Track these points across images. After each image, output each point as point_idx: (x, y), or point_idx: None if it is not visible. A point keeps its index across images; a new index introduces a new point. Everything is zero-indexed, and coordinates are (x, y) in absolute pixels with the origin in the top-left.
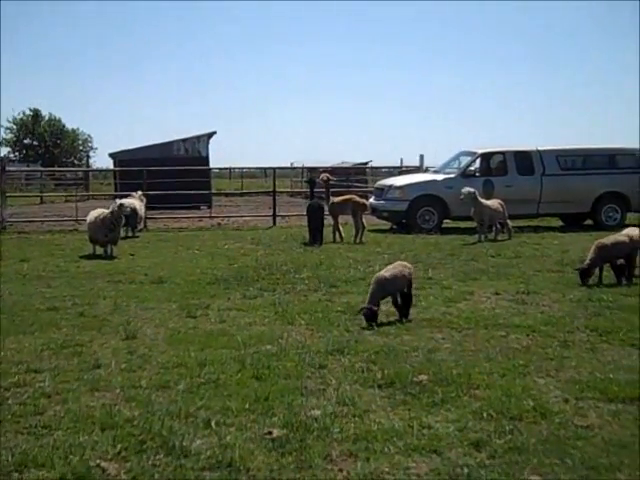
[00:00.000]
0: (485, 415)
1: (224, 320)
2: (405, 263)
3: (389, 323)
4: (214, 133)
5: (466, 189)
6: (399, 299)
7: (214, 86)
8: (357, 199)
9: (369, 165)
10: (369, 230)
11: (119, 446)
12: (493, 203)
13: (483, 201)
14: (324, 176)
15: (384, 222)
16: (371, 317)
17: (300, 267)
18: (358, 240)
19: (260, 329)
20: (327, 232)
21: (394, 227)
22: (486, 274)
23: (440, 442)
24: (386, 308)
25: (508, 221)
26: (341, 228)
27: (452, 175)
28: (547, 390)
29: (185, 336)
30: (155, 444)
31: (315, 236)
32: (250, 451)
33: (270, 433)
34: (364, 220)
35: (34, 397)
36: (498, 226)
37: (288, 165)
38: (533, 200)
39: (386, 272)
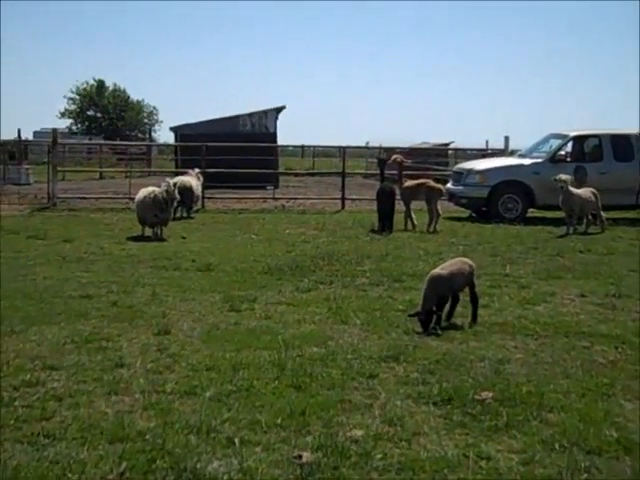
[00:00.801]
0: (557, 446)
1: (270, 316)
2: (466, 259)
3: (454, 327)
4: (283, 108)
5: (562, 176)
6: (448, 302)
7: (284, 55)
8: (431, 184)
9: (451, 146)
10: (444, 218)
11: (125, 464)
12: (585, 192)
13: (574, 189)
14: (397, 157)
15: (462, 209)
16: (425, 322)
17: (363, 257)
18: (432, 229)
19: (309, 328)
20: (399, 219)
21: (473, 215)
22: (572, 272)
23: (500, 478)
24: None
25: (602, 212)
26: (413, 215)
27: (540, 160)
28: (635, 417)
29: (224, 333)
30: (166, 464)
31: (385, 223)
32: (273, 479)
33: (300, 457)
34: (439, 207)
35: (44, 399)
36: (590, 217)
37: (363, 144)
38: (631, 189)
39: (442, 269)
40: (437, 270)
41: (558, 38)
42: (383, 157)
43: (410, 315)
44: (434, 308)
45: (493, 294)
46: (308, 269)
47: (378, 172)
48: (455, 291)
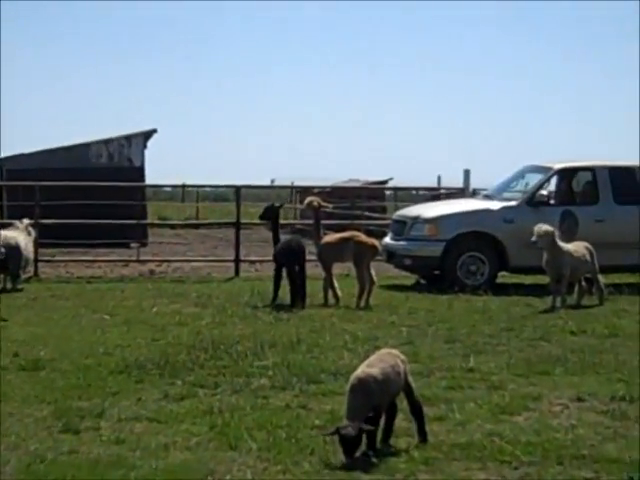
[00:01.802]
0: None
1: (123, 439)
2: (394, 351)
3: (396, 453)
4: (154, 132)
5: (542, 227)
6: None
7: (154, 61)
8: (362, 238)
9: (389, 184)
10: (381, 287)
11: None
12: (577, 248)
13: (562, 245)
14: (313, 200)
15: (406, 274)
16: (353, 444)
17: (265, 347)
18: (363, 303)
19: (180, 457)
20: (314, 289)
21: (421, 282)
22: (563, 365)
23: None
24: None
25: (599, 276)
26: (336, 284)
27: (513, 202)
28: None
29: (51, 468)
30: None
31: (294, 295)
32: None
33: None
34: (373, 271)
35: None
36: (584, 284)
37: (267, 183)
38: (637, 244)
39: (371, 367)
40: (364, 370)
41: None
42: (277, 204)
43: (328, 434)
44: (363, 426)
45: (451, 399)
46: (183, 366)
47: (270, 228)
48: (392, 399)
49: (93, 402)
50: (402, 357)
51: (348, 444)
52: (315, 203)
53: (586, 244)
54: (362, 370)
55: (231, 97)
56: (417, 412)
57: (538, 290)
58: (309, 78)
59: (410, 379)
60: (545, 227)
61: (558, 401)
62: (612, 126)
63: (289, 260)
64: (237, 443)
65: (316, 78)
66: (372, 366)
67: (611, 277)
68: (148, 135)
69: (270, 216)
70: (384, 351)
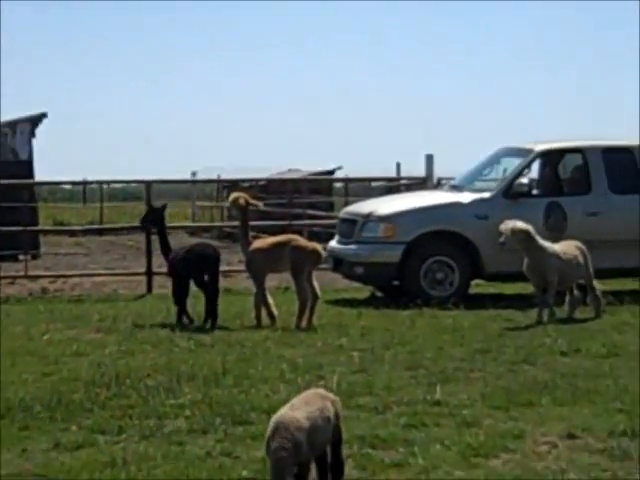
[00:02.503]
0: None
1: None
2: (324, 392)
3: None
4: (43, 117)
5: (511, 223)
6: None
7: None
8: (301, 242)
9: (338, 175)
10: (327, 301)
11: None
12: (566, 248)
13: (546, 244)
14: (239, 197)
15: (358, 285)
16: None
17: (182, 381)
18: (305, 322)
19: None
20: (247, 306)
21: (377, 295)
22: (551, 393)
23: None
24: None
25: (595, 283)
26: (271, 300)
27: (487, 194)
28: None
29: None
30: None
31: (210, 308)
32: None
33: None
34: (316, 283)
35: None
36: (576, 292)
37: (188, 177)
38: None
39: (296, 411)
40: (289, 413)
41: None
42: (160, 205)
43: None
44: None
45: (413, 440)
46: (79, 407)
47: (157, 233)
48: (321, 449)
49: None
50: (332, 398)
51: None
52: (241, 200)
53: (577, 243)
54: (286, 414)
55: (141, 72)
56: (338, 471)
57: (520, 302)
58: (239, 48)
59: (341, 427)
60: (516, 223)
61: (545, 439)
62: (597, 102)
63: (194, 268)
64: None
65: (247, 48)
66: (294, 408)
67: (609, 283)
68: (36, 121)
69: (155, 219)
70: (312, 392)
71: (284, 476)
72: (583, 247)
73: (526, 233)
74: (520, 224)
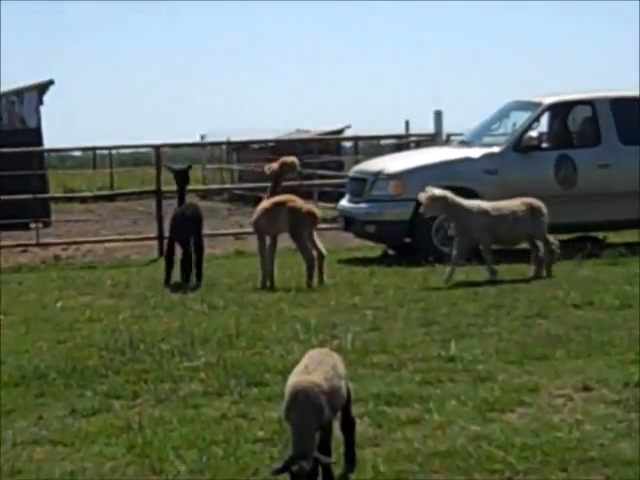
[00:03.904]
0: None
1: (19, 470)
2: (328, 351)
3: (360, 467)
4: (50, 84)
5: (429, 190)
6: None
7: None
8: (297, 204)
9: (347, 134)
10: (339, 261)
11: None
12: (505, 205)
13: (471, 204)
14: (271, 168)
15: (369, 243)
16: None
17: (195, 344)
18: (316, 281)
19: None
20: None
21: (388, 253)
22: (565, 346)
23: None
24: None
25: (550, 237)
26: (274, 265)
27: (496, 149)
28: None
29: None
30: None
31: (185, 271)
32: None
33: None
34: (318, 242)
35: None
36: (544, 248)
37: (197, 139)
38: None
39: (313, 374)
40: (307, 378)
41: None
42: (182, 167)
43: (276, 472)
44: (319, 458)
45: (428, 397)
46: (94, 373)
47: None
48: (339, 409)
49: None
50: (336, 356)
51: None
52: (276, 167)
53: (527, 200)
54: (304, 379)
55: (145, 35)
56: (349, 429)
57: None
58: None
59: (350, 385)
60: (433, 191)
61: (560, 392)
62: (603, 58)
63: (180, 232)
64: (162, 466)
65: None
66: (310, 371)
67: (621, 235)
68: (43, 88)
69: (181, 181)
70: (317, 351)
71: (311, 446)
72: (534, 202)
73: (444, 199)
74: (437, 191)
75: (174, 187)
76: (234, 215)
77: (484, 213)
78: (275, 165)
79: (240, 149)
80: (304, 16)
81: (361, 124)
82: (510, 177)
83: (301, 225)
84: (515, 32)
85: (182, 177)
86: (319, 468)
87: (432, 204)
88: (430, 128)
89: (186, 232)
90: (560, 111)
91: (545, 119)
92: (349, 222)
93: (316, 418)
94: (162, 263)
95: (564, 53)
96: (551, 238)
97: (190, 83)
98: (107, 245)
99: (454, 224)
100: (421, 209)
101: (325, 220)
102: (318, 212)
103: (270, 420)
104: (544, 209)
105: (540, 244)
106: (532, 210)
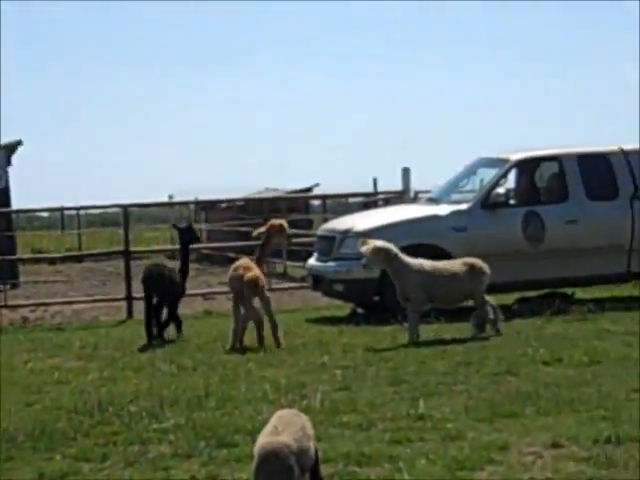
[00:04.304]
0: None
1: None
2: (296, 411)
3: None
4: (18, 144)
5: (372, 243)
6: None
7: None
8: (239, 271)
9: (315, 192)
10: (308, 320)
11: None
12: (444, 265)
13: (411, 262)
14: (259, 231)
15: (338, 302)
16: None
17: (165, 405)
18: (279, 341)
19: None
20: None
21: (358, 312)
22: (535, 403)
23: None
24: None
25: (486, 298)
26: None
27: (464, 205)
28: None
29: None
30: None
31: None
32: None
33: None
34: (261, 309)
35: None
36: (483, 310)
37: (165, 199)
38: (619, 247)
39: (282, 435)
40: (276, 438)
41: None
42: (185, 225)
43: None
44: None
45: (398, 456)
46: (63, 435)
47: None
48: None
49: None
50: (303, 417)
51: None
52: (275, 226)
53: (468, 260)
54: (272, 440)
55: (112, 96)
56: None
57: (503, 312)
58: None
59: (317, 446)
60: (376, 243)
61: (529, 449)
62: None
63: (147, 289)
64: None
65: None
66: (275, 433)
67: (589, 291)
68: (12, 148)
69: (192, 237)
70: (286, 412)
71: None
72: (475, 262)
73: (386, 252)
74: (379, 243)
75: (142, 247)
76: (202, 275)
77: (421, 271)
78: (262, 228)
79: (208, 208)
80: (271, 76)
81: (329, 182)
82: (478, 234)
83: (242, 291)
84: (482, 88)
85: (187, 234)
86: None
87: (373, 256)
88: (398, 185)
89: (151, 290)
90: (527, 167)
91: (512, 175)
92: (317, 281)
93: (286, 479)
94: (132, 325)
95: (531, 109)
96: (489, 299)
97: (157, 143)
98: (75, 306)
99: (392, 278)
100: (363, 260)
101: (293, 279)
102: (262, 278)
103: None
104: (485, 269)
105: (477, 304)
106: (472, 270)
